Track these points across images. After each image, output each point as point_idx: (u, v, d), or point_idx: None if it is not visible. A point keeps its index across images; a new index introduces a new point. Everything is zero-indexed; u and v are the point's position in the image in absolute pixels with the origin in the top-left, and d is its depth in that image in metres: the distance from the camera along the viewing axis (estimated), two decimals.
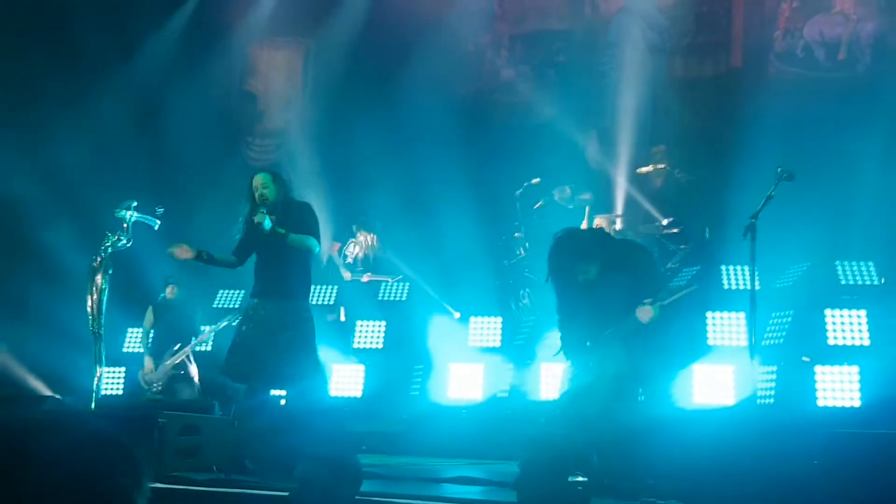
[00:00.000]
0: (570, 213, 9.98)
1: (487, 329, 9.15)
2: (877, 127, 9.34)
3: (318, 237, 6.11)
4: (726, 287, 8.62)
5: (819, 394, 7.67)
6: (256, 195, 6.09)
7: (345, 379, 9.09)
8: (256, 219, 5.92)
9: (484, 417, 8.23)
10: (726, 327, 8.29)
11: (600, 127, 11.31)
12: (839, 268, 8.38)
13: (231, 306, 10.26)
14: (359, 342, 9.49)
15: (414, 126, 11.15)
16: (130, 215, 6.20)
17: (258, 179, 6.14)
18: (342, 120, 11.82)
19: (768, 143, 9.06)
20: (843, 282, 8.32)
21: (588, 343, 5.29)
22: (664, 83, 11.33)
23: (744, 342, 8.13)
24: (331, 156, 11.67)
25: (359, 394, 9.06)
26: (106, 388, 9.55)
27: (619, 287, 5.18)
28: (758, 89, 10.36)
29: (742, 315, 8.23)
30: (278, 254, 5.99)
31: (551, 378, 8.30)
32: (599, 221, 9.56)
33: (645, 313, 5.10)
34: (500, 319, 9.19)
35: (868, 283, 8.29)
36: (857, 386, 7.65)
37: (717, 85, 11.05)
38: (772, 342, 8.16)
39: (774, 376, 7.85)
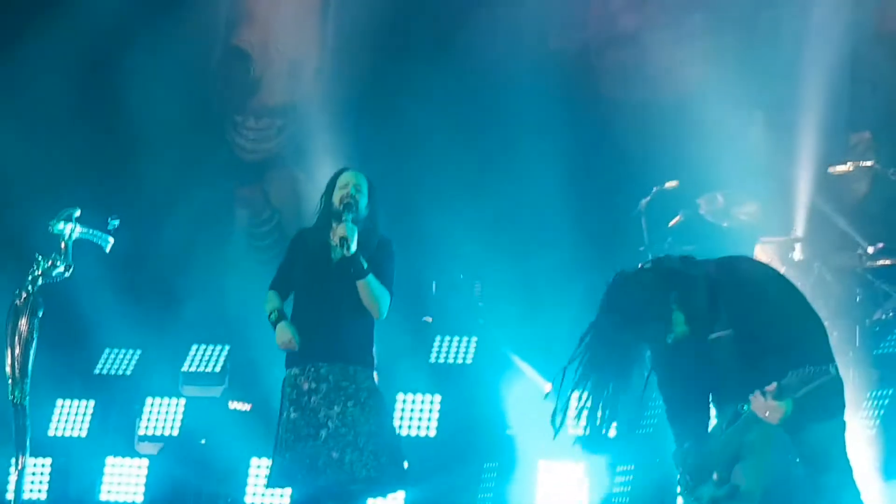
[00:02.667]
0: (724, 232, 9.91)
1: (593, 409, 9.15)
2: None
3: (391, 293, 6.35)
4: None
5: None
6: (343, 198, 6.29)
7: None
8: (339, 232, 6.11)
9: None
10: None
11: (769, 104, 11.27)
12: None
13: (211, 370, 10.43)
14: (398, 426, 9.60)
15: (487, 102, 11.22)
16: (71, 230, 6.31)
17: (348, 177, 6.38)
18: (380, 93, 11.93)
19: None
20: None
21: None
22: (870, 37, 11.26)
23: None
24: (362, 147, 11.77)
25: None
26: (28, 489, 9.75)
27: (726, 350, 4.97)
28: None
29: None
30: (343, 297, 6.25)
31: None
32: (766, 248, 9.47)
33: (766, 409, 4.68)
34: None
35: None
36: None
37: None
38: None
39: None
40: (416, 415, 9.69)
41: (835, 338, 9.01)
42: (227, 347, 10.66)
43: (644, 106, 11.57)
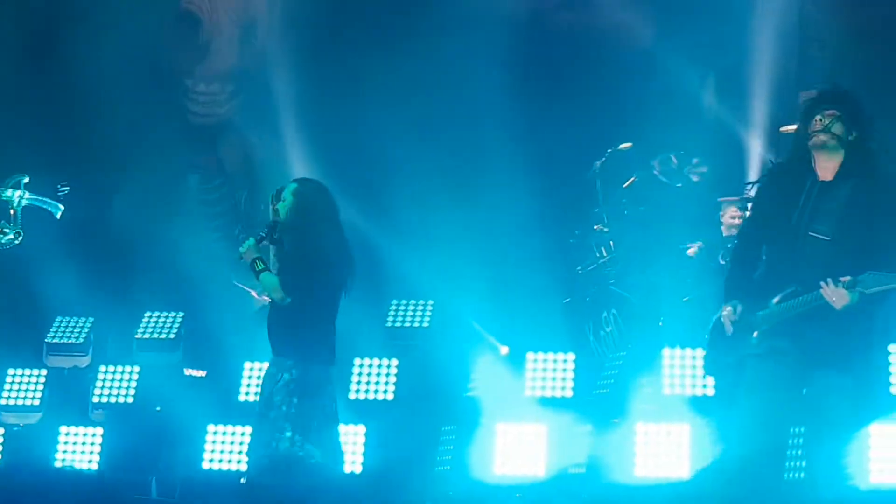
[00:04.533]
0: (677, 193, 9.90)
1: (553, 372, 9.18)
2: None
3: (294, 277, 6.93)
4: None
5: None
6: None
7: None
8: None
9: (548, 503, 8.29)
10: None
11: (721, 64, 11.22)
12: None
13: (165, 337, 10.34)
14: (356, 391, 9.56)
15: (442, 66, 11.11)
16: (20, 197, 6.25)
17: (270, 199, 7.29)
18: (335, 58, 11.79)
19: None
20: None
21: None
22: None
23: None
24: (317, 113, 11.65)
25: (357, 469, 9.11)
26: None
27: (856, 224, 5.34)
28: None
29: None
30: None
31: (652, 445, 8.27)
32: (728, 209, 9.43)
33: (838, 296, 5.19)
34: (571, 357, 9.20)
35: None
36: None
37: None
38: None
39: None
40: (374, 379, 9.62)
41: None
42: (181, 314, 10.54)
43: (598, 66, 11.49)
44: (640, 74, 11.06)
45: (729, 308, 5.63)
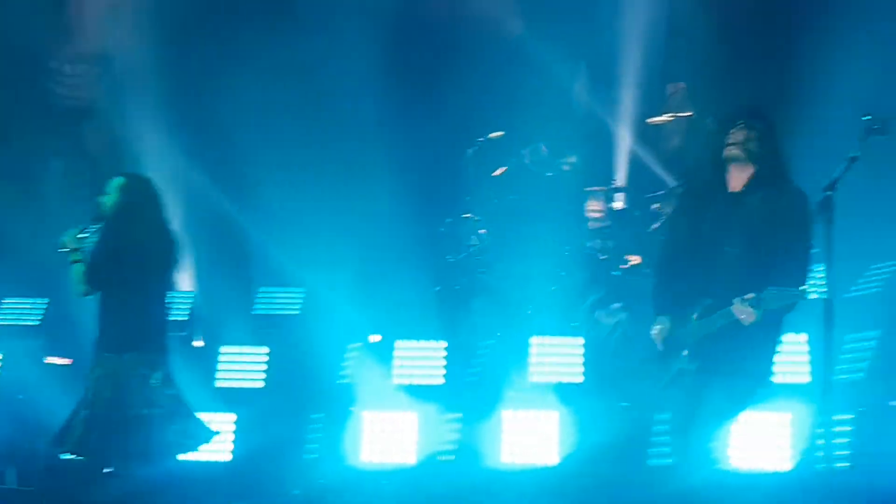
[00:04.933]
0: (548, 182, 9.97)
1: (423, 359, 9.20)
2: None
3: (95, 271, 6.96)
4: None
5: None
6: None
7: None
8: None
9: (418, 491, 8.28)
10: (782, 356, 8.30)
11: (591, 56, 11.34)
12: None
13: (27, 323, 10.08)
14: (225, 379, 9.46)
15: (313, 54, 11.02)
16: None
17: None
18: (205, 43, 11.60)
19: (850, 80, 9.13)
20: None
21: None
22: None
23: (807, 377, 8.23)
24: (186, 98, 11.44)
25: (227, 457, 8.99)
26: None
27: (764, 238, 5.53)
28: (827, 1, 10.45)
29: (805, 338, 8.31)
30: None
31: (521, 433, 8.33)
32: (594, 199, 9.56)
33: (746, 313, 5.48)
34: (442, 344, 9.22)
35: None
36: None
37: None
38: (847, 378, 8.25)
39: (850, 428, 7.95)
40: (242, 367, 9.51)
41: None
42: (45, 301, 10.27)
43: (469, 56, 11.51)
44: (511, 64, 11.13)
45: (658, 326, 5.84)
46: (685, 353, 5.74)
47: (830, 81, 9.45)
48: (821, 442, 6.02)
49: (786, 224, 5.67)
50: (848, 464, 7.77)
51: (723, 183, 5.79)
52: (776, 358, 5.81)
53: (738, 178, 5.77)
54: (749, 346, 5.66)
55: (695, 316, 5.70)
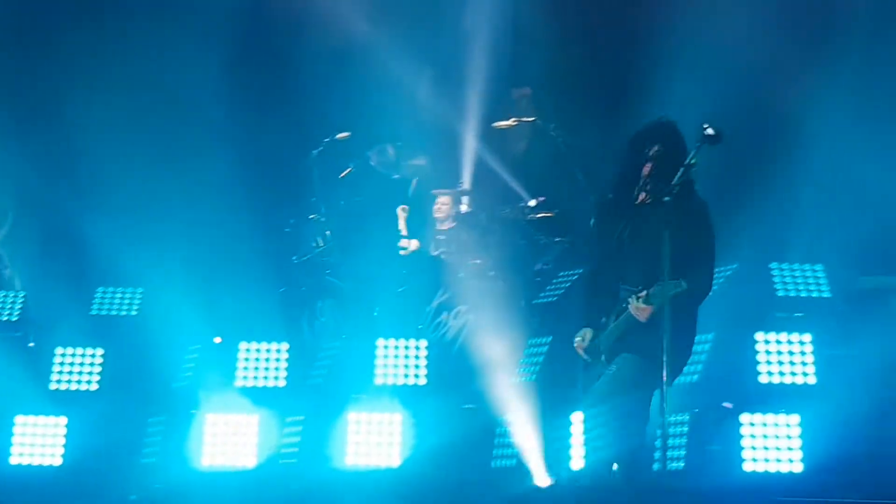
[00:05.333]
0: (394, 184, 9.98)
1: (266, 361, 9.11)
2: (846, 71, 9.84)
3: None
4: None
5: (747, 454, 8.00)
6: None
7: (35, 439, 8.87)
8: None
9: (260, 494, 8.24)
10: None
11: (437, 59, 11.38)
12: (776, 273, 8.78)
13: None
14: (58, 381, 9.25)
15: (156, 50, 10.82)
16: None
17: None
18: (41, 39, 11.26)
19: (690, 89, 9.36)
20: (782, 293, 8.72)
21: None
22: None
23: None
24: (23, 99, 11.10)
25: (58, 461, 8.81)
26: None
27: (666, 240, 5.73)
28: (671, 9, 10.66)
29: None
30: None
31: (366, 434, 8.33)
32: (440, 201, 9.60)
33: (640, 310, 5.83)
34: (285, 346, 9.14)
35: (816, 294, 8.74)
36: (797, 443, 8.05)
37: (610, 1, 11.34)
38: (682, 380, 8.43)
39: (686, 429, 8.13)
40: (77, 368, 9.29)
41: (500, 287, 9.33)
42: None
43: (314, 57, 11.45)
44: (357, 65, 11.10)
45: (578, 337, 6.15)
46: (603, 357, 6.05)
47: (669, 89, 9.67)
48: (658, 443, 6.13)
49: (688, 227, 5.91)
50: (682, 464, 7.97)
51: (633, 195, 6.09)
52: (688, 341, 6.11)
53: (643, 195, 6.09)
54: (655, 335, 5.84)
55: (611, 322, 6.03)
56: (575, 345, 6.13)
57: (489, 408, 8.40)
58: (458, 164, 10.48)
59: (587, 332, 6.11)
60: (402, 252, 9.99)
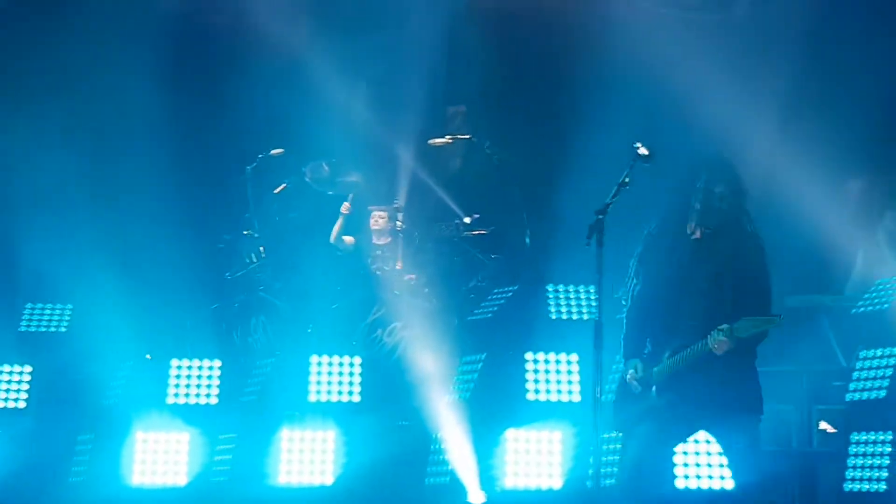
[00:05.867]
0: (329, 200, 9.98)
1: (198, 378, 9.09)
2: (758, 93, 10.02)
3: None
4: (554, 317, 8.92)
5: (679, 470, 8.09)
6: None
7: None
8: None
9: None
10: (554, 374, 8.58)
11: (372, 75, 11.40)
12: None
13: None
14: None
15: (86, 60, 10.72)
16: None
17: None
18: None
19: (620, 109, 9.47)
20: None
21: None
22: (464, 14, 11.60)
23: (577, 397, 8.48)
24: None
25: None
26: None
27: (727, 277, 5.76)
28: (603, 32, 10.79)
29: (576, 357, 8.57)
30: None
31: (299, 452, 8.33)
32: (375, 217, 9.61)
33: (719, 343, 5.68)
34: (217, 363, 9.12)
35: None
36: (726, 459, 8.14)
37: (544, 22, 11.44)
38: (615, 396, 8.51)
39: (619, 446, 8.19)
40: (5, 387, 9.20)
41: (435, 304, 9.36)
42: None
43: (249, 73, 11.42)
44: (294, 81, 11.07)
45: (630, 371, 5.96)
46: (654, 390, 5.90)
47: (602, 108, 9.78)
48: (591, 459, 6.18)
49: (747, 266, 5.88)
50: (615, 480, 8.04)
51: (683, 230, 5.98)
52: (754, 385, 5.94)
53: (699, 229, 5.97)
54: (718, 376, 5.78)
55: (666, 356, 5.88)
56: (628, 377, 5.97)
57: (423, 425, 8.42)
58: (393, 181, 10.49)
59: (638, 365, 5.96)
60: (340, 247, 9.94)
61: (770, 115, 9.94)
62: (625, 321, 6.10)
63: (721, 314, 5.78)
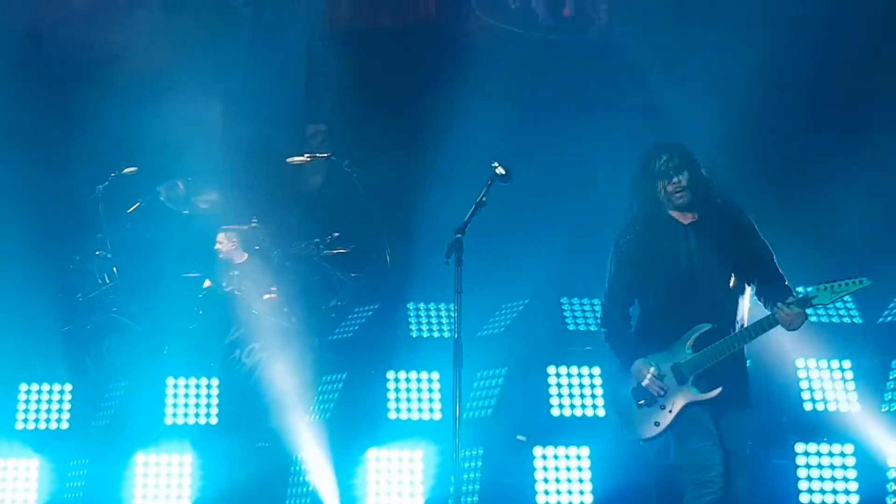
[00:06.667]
0: (184, 220, 9.86)
1: (47, 402, 8.90)
2: (615, 113, 10.25)
3: None
4: (415, 335, 8.97)
5: (540, 486, 8.20)
6: None
7: None
8: None
9: None
10: (415, 393, 8.62)
11: (228, 91, 11.32)
12: (567, 307, 9.05)
13: None
14: None
15: None
16: None
17: None
18: None
19: (477, 129, 9.58)
20: (573, 327, 8.99)
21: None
22: (322, 34, 11.61)
23: (438, 415, 8.53)
24: None
25: None
26: None
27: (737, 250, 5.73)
28: (458, 52, 10.94)
29: (437, 375, 8.63)
30: None
31: (154, 477, 8.23)
32: (226, 238, 9.52)
33: (794, 316, 5.51)
34: (69, 387, 8.95)
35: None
36: (588, 475, 8.30)
37: (401, 41, 11.52)
38: (476, 414, 8.61)
39: (480, 463, 8.28)
40: None
41: (294, 324, 9.33)
42: None
43: (104, 89, 11.22)
44: (148, 98, 10.92)
45: (651, 370, 5.75)
46: (690, 381, 5.72)
47: (462, 128, 9.89)
48: (452, 477, 6.22)
49: (741, 235, 5.86)
50: (476, 498, 8.12)
51: (670, 218, 5.92)
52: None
53: (685, 215, 5.94)
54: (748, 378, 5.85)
55: (688, 344, 5.72)
56: (646, 380, 5.74)
57: (283, 446, 8.38)
58: (251, 200, 10.42)
59: (651, 364, 5.76)
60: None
61: (627, 134, 10.17)
62: (614, 330, 5.98)
63: (740, 289, 5.77)
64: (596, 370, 8.65)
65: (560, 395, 8.62)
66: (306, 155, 10.44)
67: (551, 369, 8.62)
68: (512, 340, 8.95)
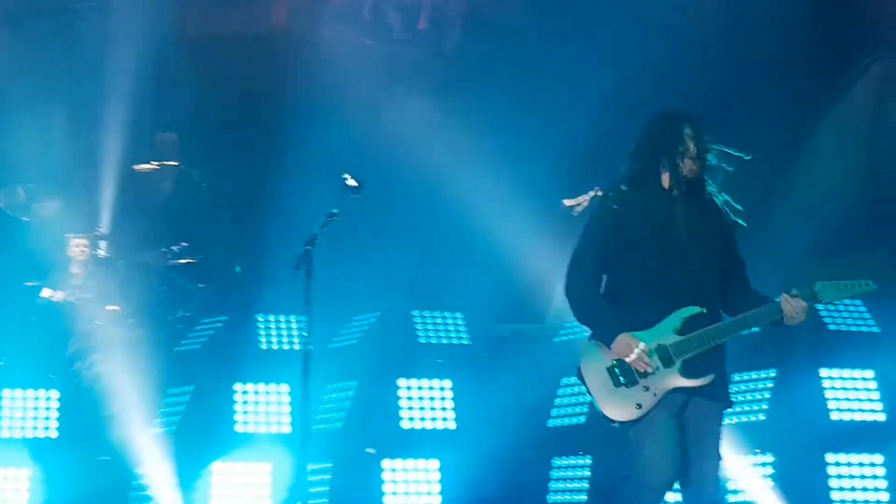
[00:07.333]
0: (24, 228, 9.64)
1: None
2: (468, 125, 10.35)
3: None
4: (264, 347, 8.93)
5: (388, 499, 8.25)
6: None
7: None
8: None
9: None
10: (264, 406, 8.58)
11: (74, 98, 11.12)
12: (418, 320, 9.11)
13: None
14: None
15: None
16: None
17: None
18: None
19: (330, 139, 9.60)
20: (424, 340, 9.06)
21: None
22: (173, 41, 11.50)
23: (287, 428, 8.50)
24: None
25: None
26: None
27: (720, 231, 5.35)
28: (310, 62, 10.93)
29: (286, 388, 8.58)
30: None
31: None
32: (79, 244, 9.33)
33: (798, 309, 5.18)
34: None
35: (457, 341, 9.13)
36: (437, 487, 8.37)
37: (254, 49, 11.48)
38: (326, 427, 8.61)
39: (329, 476, 8.29)
40: None
41: (139, 335, 9.18)
42: None
43: None
44: None
45: (640, 345, 5.14)
46: (677, 365, 5.16)
47: (315, 139, 9.91)
48: (301, 491, 6.22)
49: (727, 236, 5.42)
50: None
51: (660, 188, 5.35)
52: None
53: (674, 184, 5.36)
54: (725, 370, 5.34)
55: (676, 326, 5.16)
56: (633, 357, 5.08)
57: (125, 460, 8.25)
58: (96, 208, 10.23)
59: (639, 340, 5.13)
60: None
61: (485, 147, 10.32)
62: (586, 300, 5.30)
63: (734, 274, 5.34)
64: (447, 383, 8.74)
65: (410, 408, 8.68)
66: (154, 163, 10.31)
67: (402, 382, 8.68)
68: (362, 353, 8.97)
